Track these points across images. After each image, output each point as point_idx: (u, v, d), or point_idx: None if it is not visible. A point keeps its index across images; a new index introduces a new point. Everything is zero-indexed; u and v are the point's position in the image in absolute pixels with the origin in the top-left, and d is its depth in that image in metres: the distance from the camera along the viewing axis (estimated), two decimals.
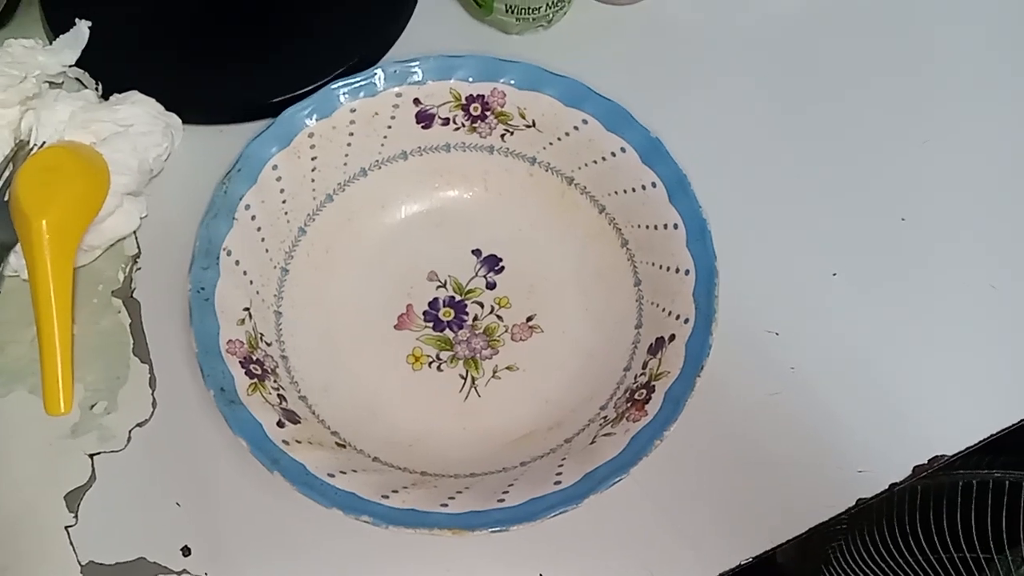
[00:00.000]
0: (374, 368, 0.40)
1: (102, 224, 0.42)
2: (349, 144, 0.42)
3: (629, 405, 0.36)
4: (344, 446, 0.37)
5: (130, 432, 0.39)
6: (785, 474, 0.39)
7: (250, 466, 0.34)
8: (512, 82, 0.42)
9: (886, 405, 0.40)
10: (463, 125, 0.43)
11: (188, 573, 0.36)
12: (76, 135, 0.42)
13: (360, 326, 0.41)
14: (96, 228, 0.41)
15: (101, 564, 0.36)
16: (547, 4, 0.47)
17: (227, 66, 0.47)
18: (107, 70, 0.45)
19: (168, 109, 0.44)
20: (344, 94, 0.41)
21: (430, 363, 0.41)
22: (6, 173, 0.42)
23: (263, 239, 0.40)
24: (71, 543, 0.37)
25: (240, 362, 0.36)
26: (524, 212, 0.43)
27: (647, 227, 0.40)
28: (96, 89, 0.45)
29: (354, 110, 0.41)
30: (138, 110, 0.43)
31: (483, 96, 0.42)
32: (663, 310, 0.38)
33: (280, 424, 0.35)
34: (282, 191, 0.41)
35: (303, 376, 0.39)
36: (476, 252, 0.43)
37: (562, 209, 0.43)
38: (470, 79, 0.42)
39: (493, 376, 0.40)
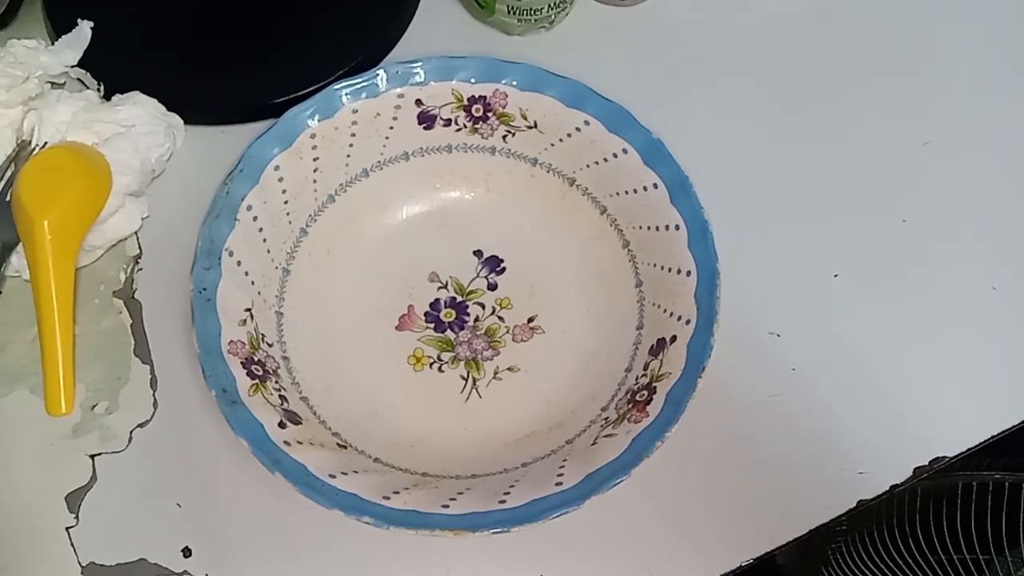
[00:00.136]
0: (375, 369, 0.40)
1: (104, 224, 0.42)
2: (351, 145, 0.42)
3: (630, 406, 0.36)
4: (345, 447, 0.37)
5: (131, 433, 0.39)
6: (786, 475, 0.39)
7: (251, 467, 0.34)
8: (514, 83, 0.42)
9: (887, 406, 0.40)
10: (465, 126, 0.43)
11: (189, 574, 0.36)
12: (78, 135, 0.42)
13: (361, 327, 0.41)
14: (98, 228, 0.41)
15: (102, 565, 0.36)
16: (549, 5, 0.47)
17: (229, 67, 0.47)
18: (109, 70, 0.45)
19: (170, 109, 0.44)
20: (346, 95, 0.41)
21: (431, 364, 0.41)
22: (8, 173, 0.42)
23: (265, 240, 0.40)
24: (72, 544, 0.37)
25: (242, 363, 0.36)
26: (526, 213, 0.43)
27: (649, 228, 0.40)
28: (98, 89, 0.45)
29: (356, 111, 0.41)
30: (140, 110, 0.43)
31: (485, 97, 0.42)
32: (664, 311, 0.38)
33: (281, 425, 0.35)
34: (284, 192, 0.41)
35: (304, 377, 0.39)
36: (477, 253, 0.43)
37: (564, 210, 0.43)
38: (472, 80, 0.42)
39: (494, 377, 0.40)
